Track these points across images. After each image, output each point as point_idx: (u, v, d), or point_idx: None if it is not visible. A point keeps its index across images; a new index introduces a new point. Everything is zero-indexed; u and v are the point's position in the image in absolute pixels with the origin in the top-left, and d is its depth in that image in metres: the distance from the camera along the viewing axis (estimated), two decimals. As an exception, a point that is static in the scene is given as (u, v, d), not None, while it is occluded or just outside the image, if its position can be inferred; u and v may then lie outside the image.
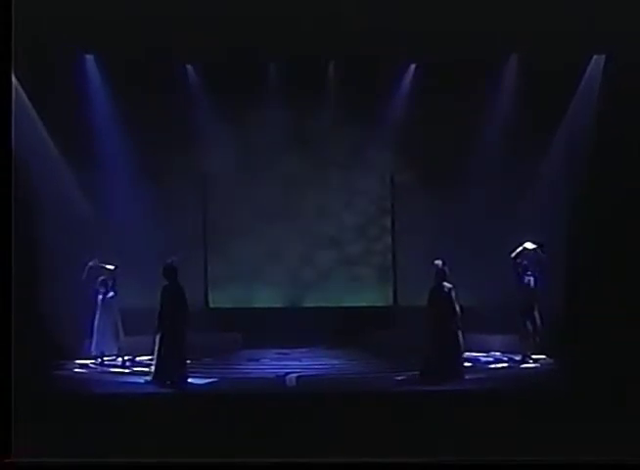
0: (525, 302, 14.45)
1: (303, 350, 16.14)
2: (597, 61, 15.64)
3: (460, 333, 12.93)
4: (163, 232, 16.29)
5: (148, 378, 12.72)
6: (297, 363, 14.92)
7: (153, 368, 12.74)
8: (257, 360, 15.33)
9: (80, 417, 10.46)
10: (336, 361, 15.12)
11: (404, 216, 17.15)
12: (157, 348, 12.60)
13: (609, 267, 14.69)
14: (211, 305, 17.25)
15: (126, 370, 14.18)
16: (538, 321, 14.42)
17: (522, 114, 15.87)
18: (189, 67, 16.35)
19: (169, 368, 12.48)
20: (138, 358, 14.99)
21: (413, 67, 16.31)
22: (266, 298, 17.27)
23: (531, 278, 14.47)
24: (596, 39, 14.33)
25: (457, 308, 12.89)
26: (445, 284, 12.96)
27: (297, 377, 13.36)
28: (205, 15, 13.70)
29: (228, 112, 16.62)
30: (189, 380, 12.66)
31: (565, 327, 14.50)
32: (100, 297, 14.48)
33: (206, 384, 12.90)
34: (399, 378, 13.14)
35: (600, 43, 14.75)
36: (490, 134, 16.12)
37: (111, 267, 14.44)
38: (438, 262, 13.14)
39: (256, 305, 17.22)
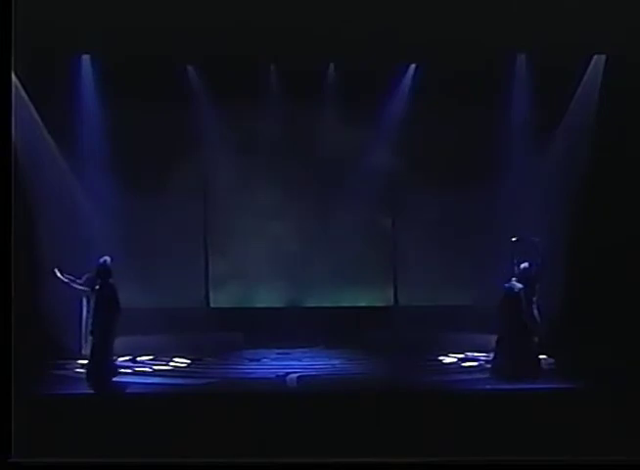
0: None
1: (304, 349, 16.12)
2: (597, 61, 15.63)
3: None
4: (164, 232, 16.29)
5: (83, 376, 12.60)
6: (298, 363, 14.90)
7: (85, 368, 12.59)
8: (258, 360, 15.31)
9: (80, 417, 10.47)
10: (336, 361, 15.09)
11: (405, 216, 17.14)
12: (89, 348, 12.50)
13: (609, 267, 14.70)
14: (212, 305, 17.22)
15: (126, 370, 14.15)
16: (538, 320, 14.39)
17: (521, 113, 15.89)
18: (189, 68, 16.33)
19: (99, 369, 12.33)
20: (138, 358, 15.01)
21: (413, 67, 16.29)
22: (267, 298, 17.24)
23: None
24: (596, 39, 14.32)
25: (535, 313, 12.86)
26: (516, 285, 12.93)
27: (298, 377, 13.35)
28: (206, 15, 13.70)
29: (228, 112, 16.57)
30: (115, 379, 12.56)
31: (565, 327, 14.49)
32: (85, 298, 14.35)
33: (207, 384, 12.91)
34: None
35: (600, 43, 14.73)
36: (490, 134, 16.09)
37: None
38: (525, 265, 13.09)
39: (257, 305, 17.19)
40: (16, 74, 13.26)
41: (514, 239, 13.54)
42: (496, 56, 15.14)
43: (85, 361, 14.15)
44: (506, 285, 12.95)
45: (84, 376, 12.49)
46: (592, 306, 14.43)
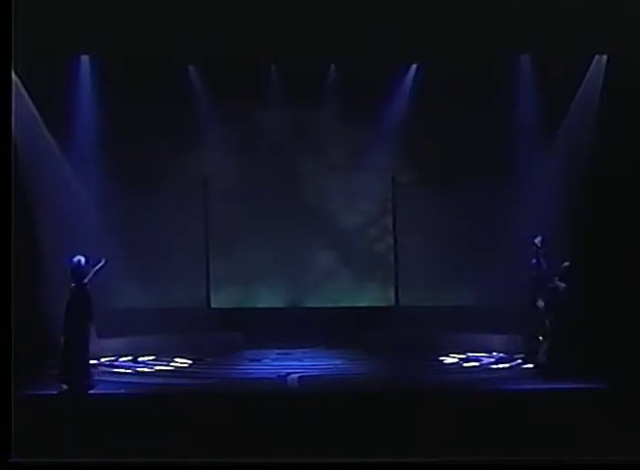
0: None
1: (305, 350, 16.14)
2: (598, 61, 15.62)
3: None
4: (165, 233, 16.30)
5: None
6: (299, 363, 14.89)
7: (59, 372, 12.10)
8: (259, 361, 15.31)
9: (80, 417, 10.47)
10: (337, 361, 15.09)
11: (405, 216, 17.15)
12: (62, 351, 12.10)
13: (609, 267, 14.68)
14: (213, 306, 17.23)
15: (127, 370, 14.16)
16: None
17: (522, 113, 15.89)
18: (190, 68, 16.33)
19: (73, 372, 11.92)
20: (139, 358, 15.01)
21: (414, 67, 16.29)
22: (268, 298, 17.26)
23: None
24: (597, 39, 14.31)
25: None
26: (561, 284, 12.99)
27: (299, 377, 13.34)
28: (206, 15, 13.69)
29: (229, 112, 16.61)
30: (94, 379, 12.21)
31: (565, 327, 14.47)
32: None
33: (208, 384, 12.91)
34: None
35: (601, 43, 14.72)
36: (491, 134, 16.10)
37: None
38: (566, 264, 13.12)
39: (258, 306, 17.21)
40: (16, 74, 13.24)
41: (537, 239, 13.54)
42: (496, 56, 15.13)
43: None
44: (550, 285, 13.00)
45: (59, 379, 12.05)
46: (592, 306, 14.40)
